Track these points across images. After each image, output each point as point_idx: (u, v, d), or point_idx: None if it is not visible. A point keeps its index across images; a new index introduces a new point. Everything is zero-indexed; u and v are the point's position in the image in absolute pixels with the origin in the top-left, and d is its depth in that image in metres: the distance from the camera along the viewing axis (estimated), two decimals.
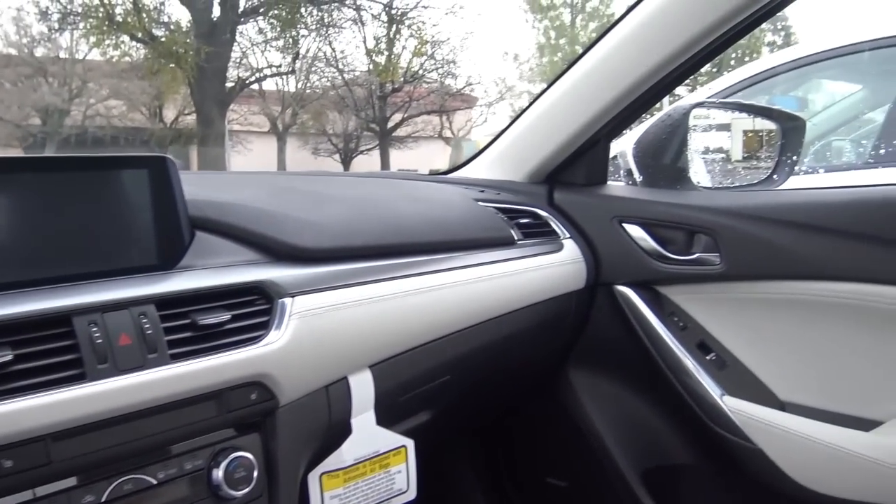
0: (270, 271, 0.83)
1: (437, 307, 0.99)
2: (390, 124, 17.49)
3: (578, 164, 1.33)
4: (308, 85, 17.38)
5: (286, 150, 17.37)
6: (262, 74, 15.99)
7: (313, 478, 0.86)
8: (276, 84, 17.07)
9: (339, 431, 0.88)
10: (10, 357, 0.61)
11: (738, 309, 1.15)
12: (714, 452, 1.14)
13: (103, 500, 0.67)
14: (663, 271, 1.19)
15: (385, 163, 17.17)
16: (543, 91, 1.34)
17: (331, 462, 0.87)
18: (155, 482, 0.70)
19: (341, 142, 18.34)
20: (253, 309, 0.78)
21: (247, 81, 15.49)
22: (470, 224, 1.12)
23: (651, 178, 1.32)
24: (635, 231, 1.22)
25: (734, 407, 1.09)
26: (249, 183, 1.02)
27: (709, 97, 1.39)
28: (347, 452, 0.88)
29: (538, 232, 1.23)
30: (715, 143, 1.39)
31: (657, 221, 1.21)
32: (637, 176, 1.35)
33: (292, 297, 0.81)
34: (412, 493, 0.95)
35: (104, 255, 0.74)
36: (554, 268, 1.19)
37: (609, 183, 1.35)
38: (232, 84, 14.58)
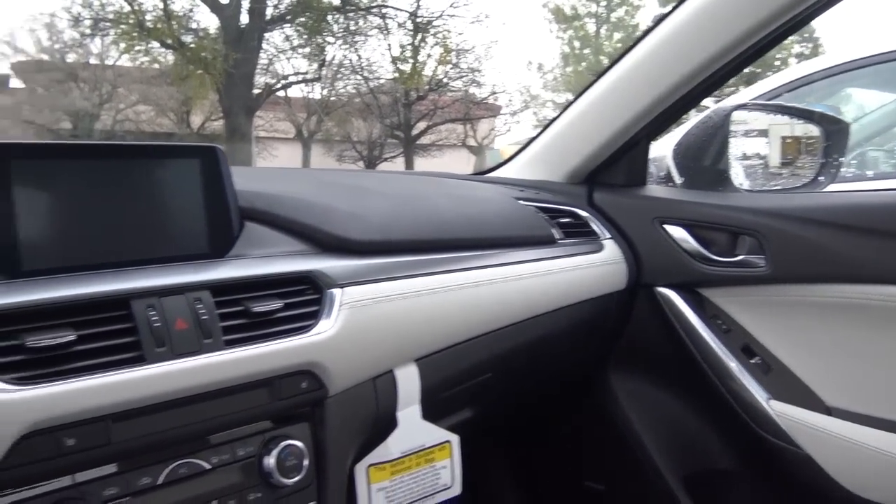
0: (319, 262, 0.83)
1: (479, 303, 0.99)
2: (414, 132, 17.56)
3: (618, 165, 1.32)
4: (333, 92, 17.51)
5: (311, 156, 17.50)
6: (288, 81, 16.15)
7: (360, 469, 0.86)
8: (302, 91, 17.24)
9: (386, 424, 0.88)
10: (72, 337, 0.62)
11: (784, 312, 1.13)
12: (759, 457, 1.13)
13: (159, 482, 0.68)
14: (706, 273, 1.18)
15: (409, 170, 17.23)
16: (583, 91, 1.34)
17: (377, 454, 0.88)
18: (209, 467, 0.71)
19: (365, 149, 18.44)
20: (303, 298, 0.79)
21: (273, 88, 15.65)
22: (511, 222, 1.12)
23: (691, 180, 1.31)
24: (677, 232, 1.21)
25: (781, 411, 1.08)
26: (295, 177, 1.03)
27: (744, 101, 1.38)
28: (394, 445, 0.88)
29: (578, 232, 1.22)
30: (752, 148, 1.37)
31: (700, 223, 1.19)
32: (677, 178, 1.34)
33: (341, 287, 0.81)
34: (457, 489, 0.95)
35: (158, 242, 0.75)
36: (594, 268, 1.19)
37: (649, 185, 1.35)
38: (259, 90, 14.73)
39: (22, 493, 0.60)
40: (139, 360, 0.65)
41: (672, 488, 1.23)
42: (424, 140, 18.04)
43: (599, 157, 1.31)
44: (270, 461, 0.74)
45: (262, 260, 0.81)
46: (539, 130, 1.45)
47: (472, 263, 0.98)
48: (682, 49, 1.15)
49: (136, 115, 16.20)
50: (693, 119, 1.36)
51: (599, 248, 1.21)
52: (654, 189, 1.31)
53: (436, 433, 0.93)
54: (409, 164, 17.43)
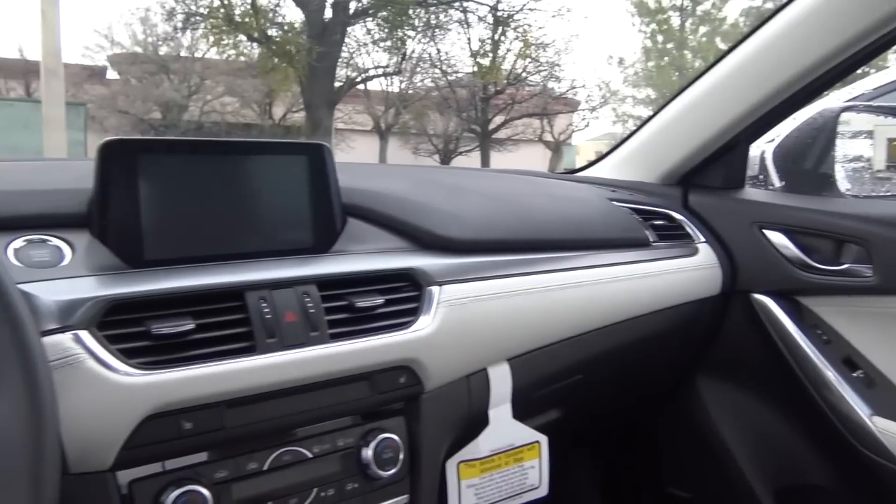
0: (418, 259, 0.85)
1: (573, 304, 0.98)
2: (491, 126, 17.52)
3: (715, 167, 1.29)
4: (412, 85, 17.65)
5: (387, 149, 17.71)
6: (368, 75, 16.36)
7: (451, 465, 0.87)
8: (381, 84, 17.44)
9: (478, 422, 0.89)
10: (191, 326, 0.65)
11: (891, 325, 1.08)
12: (858, 475, 1.08)
13: (265, 468, 0.70)
14: (807, 281, 1.13)
15: (485, 164, 17.21)
16: (681, 91, 1.31)
17: (468, 451, 0.88)
18: (310, 455, 0.73)
19: (441, 142, 18.53)
20: (403, 295, 0.80)
21: (354, 81, 15.88)
22: (605, 223, 1.11)
23: (792, 184, 1.26)
24: (777, 238, 1.17)
25: (885, 428, 1.03)
26: (393, 174, 1.04)
27: (847, 101, 1.31)
28: (484, 443, 0.89)
29: (672, 235, 1.20)
30: (856, 150, 1.31)
31: (802, 228, 1.15)
32: (776, 181, 1.29)
33: (440, 285, 0.82)
34: (544, 490, 0.95)
35: (267, 236, 0.78)
36: (688, 272, 1.16)
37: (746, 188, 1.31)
38: (340, 83, 14.99)
39: (143, 470, 0.64)
40: (251, 350, 0.67)
41: (763, 502, 1.20)
42: (500, 135, 17.97)
43: (696, 158, 1.27)
44: (368, 453, 0.76)
45: (363, 256, 0.83)
46: (632, 130, 1.42)
47: (567, 264, 0.98)
48: (790, 50, 1.11)
49: (222, 106, 16.73)
50: (795, 120, 1.31)
51: (694, 252, 1.18)
52: (752, 192, 1.27)
53: (525, 433, 0.93)
54: (484, 159, 17.42)
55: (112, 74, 16.90)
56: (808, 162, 1.31)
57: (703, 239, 1.22)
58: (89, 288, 0.64)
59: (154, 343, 0.63)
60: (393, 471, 0.77)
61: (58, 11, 8.72)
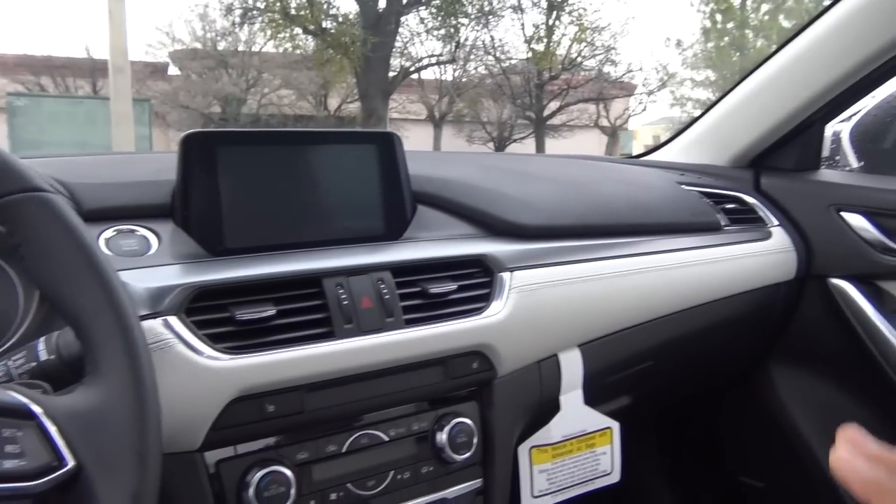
0: (489, 246, 0.85)
1: (643, 290, 0.97)
2: (546, 112, 17.35)
3: (789, 148, 1.25)
4: (465, 73, 17.60)
5: (441, 137, 17.73)
6: (422, 64, 16.40)
7: (523, 450, 0.88)
8: (435, 73, 17.45)
9: (549, 408, 0.89)
10: (272, 312, 0.67)
11: None
12: None
13: (343, 451, 0.72)
14: (888, 264, 1.09)
15: (540, 151, 17.07)
16: (752, 70, 1.27)
17: (540, 437, 0.89)
18: (387, 439, 0.74)
19: (495, 130, 18.44)
20: (475, 281, 0.80)
21: (408, 70, 15.94)
22: (675, 207, 1.09)
23: (871, 165, 1.22)
24: (856, 220, 1.13)
25: None
26: (461, 161, 1.05)
27: None
28: (556, 429, 0.89)
29: (744, 218, 1.17)
30: None
31: (883, 210, 1.11)
32: (853, 161, 1.25)
33: (511, 271, 0.82)
34: (616, 476, 0.95)
35: (340, 223, 0.80)
36: (761, 256, 1.13)
37: (822, 169, 1.27)
38: (394, 73, 15.07)
39: (229, 451, 0.66)
40: (329, 336, 0.69)
41: (841, 493, 1.16)
42: (555, 121, 17.78)
43: (768, 139, 1.24)
44: (443, 437, 0.77)
45: (434, 243, 0.83)
46: (700, 112, 1.39)
47: (638, 249, 0.96)
48: (871, 24, 1.07)
49: (279, 98, 17.01)
50: (875, 99, 1.26)
51: (767, 236, 1.15)
52: (828, 174, 1.23)
53: (597, 419, 0.93)
54: (539, 146, 17.27)
55: (173, 70, 17.34)
56: (889, 141, 1.26)
57: (776, 222, 1.19)
58: (176, 275, 0.66)
59: (237, 328, 0.65)
60: (467, 455, 0.78)
61: (124, 10, 8.99)
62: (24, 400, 0.42)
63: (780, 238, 1.17)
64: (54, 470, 0.42)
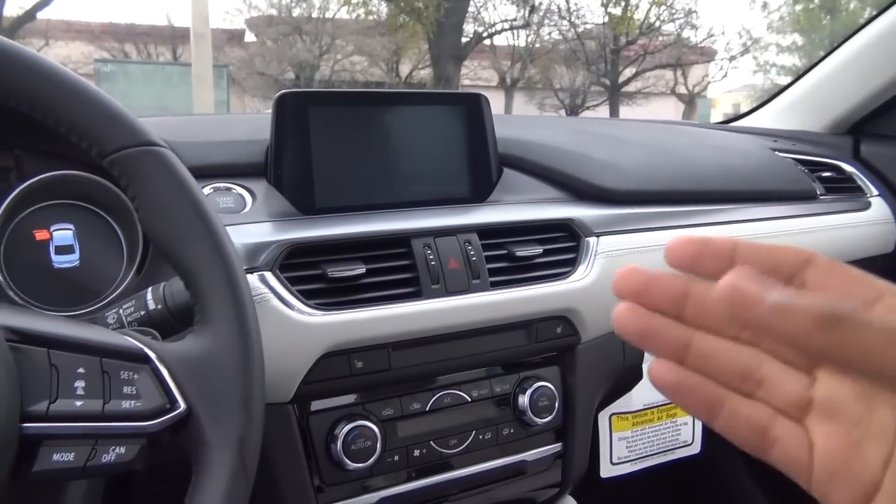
0: (576, 210, 0.84)
1: None
2: (621, 79, 16.89)
3: (893, 115, 1.18)
4: (539, 39, 17.28)
5: (513, 104, 17.53)
6: (495, 29, 16.17)
7: (604, 417, 0.87)
8: (507, 39, 17.19)
9: (631, 376, 0.88)
10: (362, 270, 0.68)
11: None
12: None
13: (426, 409, 0.73)
14: None
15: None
16: (854, 32, 1.20)
17: (620, 404, 0.88)
18: (469, 399, 0.75)
19: (567, 97, 18.10)
20: (561, 245, 0.80)
21: (481, 36, 15.76)
22: (768, 175, 1.05)
23: None
24: None
25: None
26: (546, 124, 1.03)
27: None
28: (637, 397, 0.88)
29: (842, 187, 1.12)
30: None
31: None
32: None
33: (598, 236, 0.81)
34: (696, 448, 0.93)
35: (427, 185, 0.80)
36: (859, 228, 1.08)
37: None
38: (467, 39, 14.93)
39: (318, 405, 0.68)
40: (417, 295, 0.70)
41: None
42: (630, 88, 17.30)
43: (870, 105, 1.18)
44: (524, 400, 0.77)
45: (520, 206, 0.83)
46: (795, 77, 1.33)
47: (728, 217, 0.93)
48: None
49: (352, 65, 17.11)
50: None
51: (866, 207, 1.10)
52: None
53: None
54: (613, 114, 16.86)
55: (250, 37, 17.65)
56: None
57: (875, 192, 1.13)
58: (270, 233, 0.68)
59: (328, 286, 0.66)
60: (548, 418, 0.78)
61: None
62: (140, 345, 0.45)
63: (879, 209, 1.11)
64: (167, 412, 0.44)
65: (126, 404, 0.43)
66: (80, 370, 0.42)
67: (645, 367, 0.88)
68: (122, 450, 0.42)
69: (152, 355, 0.44)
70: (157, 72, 12.12)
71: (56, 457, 0.40)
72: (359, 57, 16.92)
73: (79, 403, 0.41)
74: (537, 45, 17.29)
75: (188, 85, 9.53)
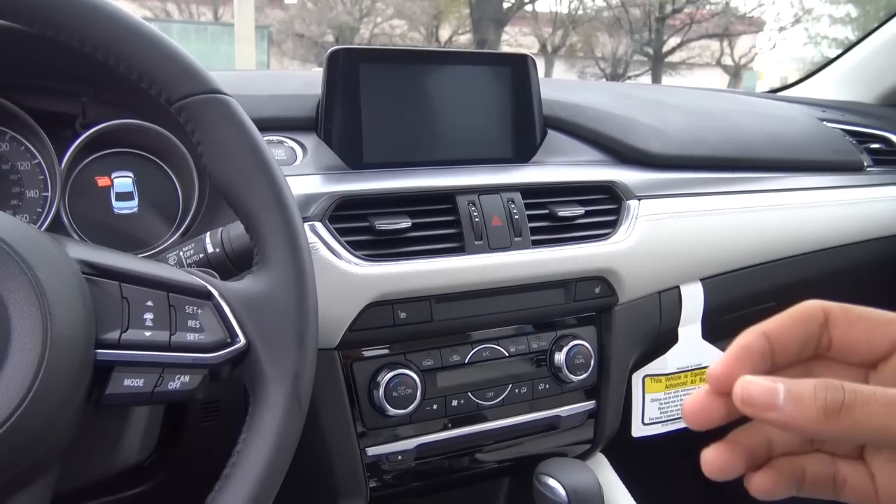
0: (618, 173, 0.85)
1: (774, 228, 0.94)
2: (665, 49, 16.52)
3: None
4: (582, 5, 16.95)
5: (553, 73, 17.27)
6: None
7: (637, 378, 0.89)
8: (549, 4, 16.88)
9: (667, 339, 0.89)
10: (408, 224, 0.70)
11: None
12: None
13: (465, 361, 0.75)
14: None
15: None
16: None
17: (654, 366, 0.89)
18: (507, 354, 0.77)
19: (609, 66, 17.77)
20: (603, 207, 0.81)
21: (523, 1, 15.52)
22: (815, 144, 1.04)
23: None
24: None
25: None
26: (593, 88, 1.04)
27: None
28: (671, 360, 0.89)
29: (890, 160, 1.10)
30: None
31: None
32: None
33: (639, 199, 0.82)
34: None
35: (473, 144, 0.81)
36: None
37: None
38: (509, 4, 14.72)
39: (362, 353, 0.71)
40: (460, 251, 0.71)
41: None
42: (674, 58, 16.91)
43: None
44: (560, 357, 0.79)
45: (563, 167, 0.84)
46: (846, 47, 1.30)
47: (771, 185, 0.93)
48: None
49: (391, 28, 16.99)
50: None
51: None
52: None
53: (715, 354, 0.92)
54: (656, 83, 16.53)
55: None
56: None
57: None
58: (320, 185, 0.70)
59: (375, 238, 0.69)
60: (583, 376, 0.79)
61: None
62: (203, 282, 0.47)
63: None
64: (228, 346, 0.47)
65: (190, 336, 0.45)
66: (149, 303, 0.45)
67: (681, 330, 0.89)
68: (187, 378, 0.45)
69: (215, 292, 0.47)
70: (200, 31, 12.21)
71: (127, 382, 0.43)
72: (399, 21, 16.79)
73: (148, 334, 0.44)
74: (580, 12, 16.96)
75: (229, 44, 9.58)
